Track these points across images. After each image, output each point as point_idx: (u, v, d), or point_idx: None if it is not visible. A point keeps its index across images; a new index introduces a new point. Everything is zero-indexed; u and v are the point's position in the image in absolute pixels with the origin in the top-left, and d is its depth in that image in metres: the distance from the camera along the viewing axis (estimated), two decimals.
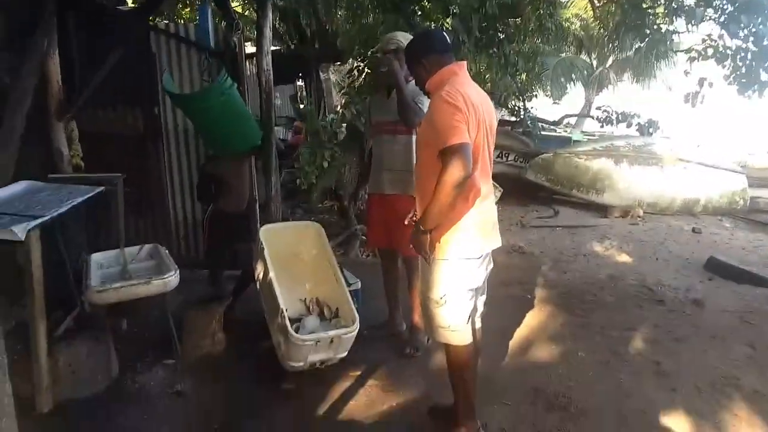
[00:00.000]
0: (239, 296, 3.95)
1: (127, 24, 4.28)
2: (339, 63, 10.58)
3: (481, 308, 2.73)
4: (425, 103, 3.05)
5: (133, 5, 5.05)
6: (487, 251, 2.53)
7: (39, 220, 2.67)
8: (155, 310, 3.51)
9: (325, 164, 6.82)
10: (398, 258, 3.68)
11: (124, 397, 3.04)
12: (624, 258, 5.91)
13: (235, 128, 3.50)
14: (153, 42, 4.49)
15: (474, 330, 2.63)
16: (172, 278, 2.93)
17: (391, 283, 3.77)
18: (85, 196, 3.21)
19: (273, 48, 7.85)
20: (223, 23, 4.59)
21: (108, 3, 4.36)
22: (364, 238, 6.10)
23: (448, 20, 6.22)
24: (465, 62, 2.52)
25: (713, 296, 4.56)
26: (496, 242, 2.58)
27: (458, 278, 2.44)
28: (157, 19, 4.91)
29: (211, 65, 3.54)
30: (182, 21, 9.59)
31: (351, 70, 7.64)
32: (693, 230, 7.11)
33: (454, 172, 2.14)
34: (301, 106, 11.61)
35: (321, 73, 10.97)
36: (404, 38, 3.27)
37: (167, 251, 3.37)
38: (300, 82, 12.66)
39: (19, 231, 2.67)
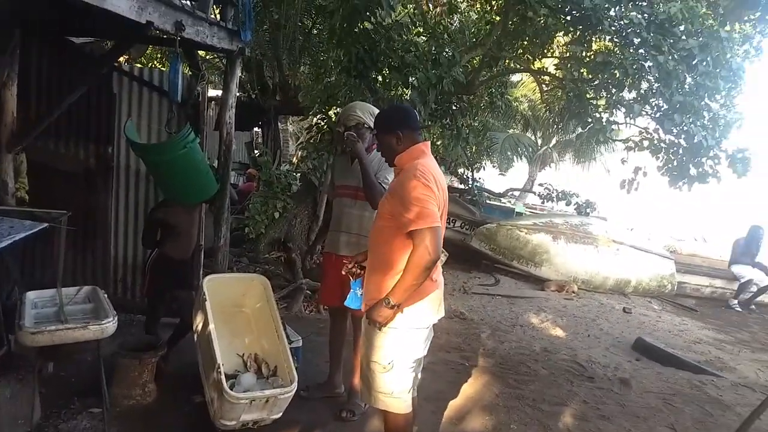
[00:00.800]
0: (174, 345, 3.84)
1: (92, 62, 4.29)
2: (299, 117, 10.77)
3: (419, 376, 2.78)
4: (390, 177, 3.15)
5: (97, 42, 5.04)
6: (434, 321, 2.62)
7: None
8: (86, 355, 3.36)
9: (276, 215, 6.86)
10: (347, 317, 3.70)
11: None
12: (558, 332, 6.12)
13: (192, 180, 3.52)
14: (115, 81, 4.49)
15: (413, 398, 2.66)
16: (110, 324, 2.84)
17: (337, 342, 3.75)
18: (28, 232, 3.10)
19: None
20: (188, 71, 4.65)
21: (74, 38, 4.34)
22: (309, 293, 6.09)
23: (407, 91, 6.52)
24: (429, 142, 2.69)
25: (639, 376, 4.78)
26: (442, 312, 2.66)
27: (407, 347, 2.50)
28: (120, 59, 4.91)
29: (175, 117, 3.58)
30: (145, 64, 9.63)
31: (311, 127, 7.82)
32: (624, 310, 7.47)
33: (427, 254, 2.27)
34: (257, 153, 11.70)
35: (279, 123, 11.12)
36: (363, 111, 3.41)
37: (106, 295, 3.27)
38: (257, 129, 12.76)
39: None
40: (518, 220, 9.44)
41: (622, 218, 13.08)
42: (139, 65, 7.36)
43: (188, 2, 3.41)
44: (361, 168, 3.29)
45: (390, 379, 2.51)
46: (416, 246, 2.29)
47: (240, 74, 4.89)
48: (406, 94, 6.54)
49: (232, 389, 3.01)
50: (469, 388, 4.18)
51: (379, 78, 6.62)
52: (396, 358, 2.49)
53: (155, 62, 10.55)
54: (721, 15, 6.32)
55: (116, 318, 2.93)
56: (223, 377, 2.96)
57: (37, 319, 2.95)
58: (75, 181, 4.45)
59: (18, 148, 3.88)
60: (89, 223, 4.49)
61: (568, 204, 11.28)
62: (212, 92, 9.06)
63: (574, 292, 8.09)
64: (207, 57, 10.22)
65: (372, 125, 3.23)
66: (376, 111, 3.34)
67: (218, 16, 4.04)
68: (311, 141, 7.31)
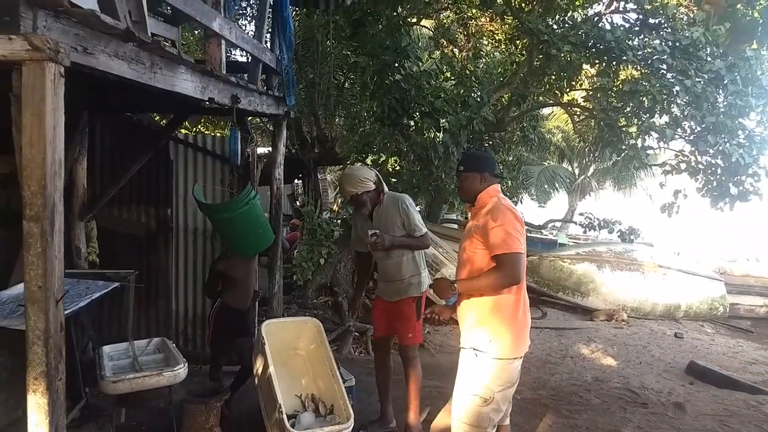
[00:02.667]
0: (236, 391, 4.06)
1: (151, 134, 4.73)
2: (337, 166, 11.20)
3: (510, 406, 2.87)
4: (410, 209, 3.54)
5: (157, 118, 5.53)
6: (525, 351, 2.67)
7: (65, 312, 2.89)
8: (158, 401, 3.61)
9: (322, 261, 7.14)
10: (389, 355, 3.87)
11: None
12: (609, 361, 6.08)
13: (254, 233, 3.85)
14: (171, 149, 4.92)
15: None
16: (181, 371, 3.11)
17: (383, 377, 3.89)
18: (102, 291, 3.44)
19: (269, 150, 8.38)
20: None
21: (134, 115, 4.81)
22: (357, 334, 6.27)
23: (439, 134, 6.80)
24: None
25: (694, 400, 4.72)
26: (528, 345, 2.71)
27: (506, 377, 2.58)
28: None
29: (235, 178, 3.94)
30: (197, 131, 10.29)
31: None
32: (675, 335, 7.33)
33: (503, 277, 2.50)
34: (299, 204, 12.13)
35: (318, 174, 11.56)
36: (350, 183, 3.61)
37: (174, 345, 3.55)
38: (297, 181, 13.27)
39: None
40: (561, 251, 9.42)
41: (668, 243, 12.84)
42: (186, 131, 7.92)
43: (241, 77, 3.81)
44: (400, 246, 3.57)
45: (486, 412, 2.57)
46: (498, 267, 2.52)
47: None
48: (439, 137, 6.82)
49: (293, 429, 3.19)
50: (522, 421, 4.21)
51: (412, 124, 6.94)
52: (497, 391, 2.55)
53: (200, 127, 11.23)
54: (722, 52, 6.41)
55: (186, 365, 3.18)
56: (284, 417, 3.14)
57: (115, 370, 3.24)
58: (138, 243, 4.83)
59: (89, 216, 4.29)
60: (152, 281, 4.83)
61: (610, 232, 11.18)
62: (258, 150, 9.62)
63: (623, 320, 7.99)
64: (251, 119, 10.82)
65: (364, 187, 3.53)
66: (365, 174, 3.60)
67: (264, 84, 4.42)
68: None
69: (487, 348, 2.55)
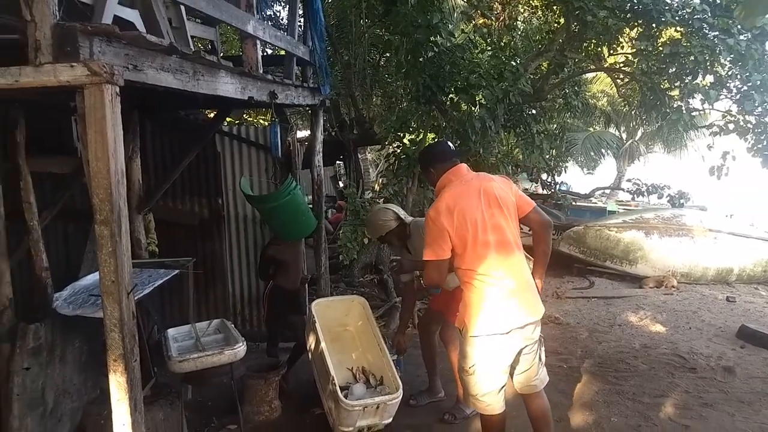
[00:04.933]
0: (293, 365, 4.34)
1: (199, 129, 4.99)
2: (377, 146, 11.32)
3: (534, 374, 2.88)
4: None
5: (204, 113, 5.78)
6: (514, 326, 2.69)
7: None
8: (221, 378, 3.89)
9: (366, 240, 7.32)
10: (433, 332, 4.03)
11: None
12: (658, 327, 6.06)
13: (297, 220, 4.09)
14: (218, 142, 5.18)
15: (504, 399, 2.85)
16: (241, 349, 3.36)
17: (429, 352, 4.10)
18: (164, 279, 3.72)
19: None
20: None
21: (182, 111, 5.07)
22: None
23: (475, 109, 6.80)
24: (461, 165, 2.96)
25: (744, 363, 4.70)
26: (526, 317, 2.73)
27: (484, 352, 2.71)
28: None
29: (277, 169, 4.16)
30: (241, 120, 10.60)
31: (388, 155, 8.28)
32: (727, 299, 7.20)
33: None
34: (341, 185, 12.35)
35: (359, 154, 11.71)
36: (374, 228, 3.86)
37: (233, 325, 3.82)
38: (339, 162, 13.49)
39: None
40: (608, 219, 9.30)
41: (721, 206, 12.43)
42: (230, 121, 8.19)
43: (277, 72, 3.99)
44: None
45: (474, 382, 2.78)
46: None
47: None
48: (475, 112, 6.82)
49: (346, 399, 3.42)
50: (567, 388, 4.33)
51: (447, 100, 6.95)
52: (477, 363, 2.74)
53: (245, 117, 11.54)
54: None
55: (245, 343, 3.44)
56: (337, 388, 3.37)
57: (180, 350, 3.52)
58: (193, 232, 5.14)
59: (146, 209, 4.59)
60: (208, 267, 5.14)
61: (660, 197, 10.93)
62: (298, 134, 9.85)
63: (673, 286, 7.88)
64: None
65: (386, 228, 3.76)
66: (382, 216, 3.80)
67: (300, 76, 4.59)
68: (390, 168, 7.73)
69: (463, 327, 2.78)
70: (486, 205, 2.75)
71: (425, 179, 3.23)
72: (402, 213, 3.85)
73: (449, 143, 3.14)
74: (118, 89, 1.97)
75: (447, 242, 2.71)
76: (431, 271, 2.78)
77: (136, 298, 3.27)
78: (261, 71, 3.53)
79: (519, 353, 2.78)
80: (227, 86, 2.92)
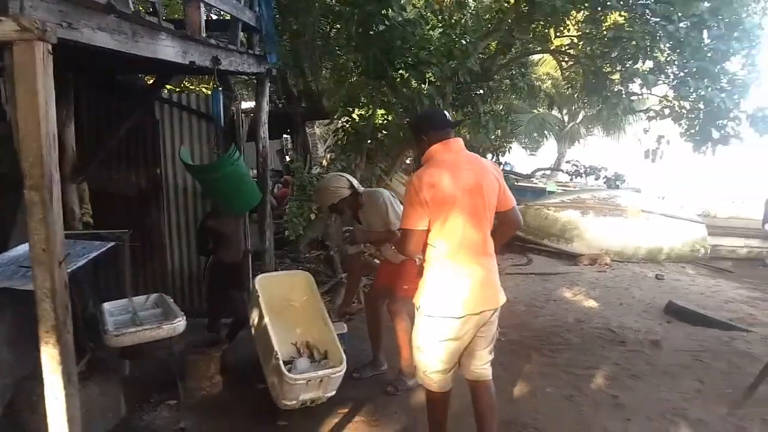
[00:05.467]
0: (233, 340, 4.27)
1: (137, 95, 4.75)
2: (326, 120, 11.15)
3: (482, 360, 2.85)
4: (391, 212, 3.66)
5: (143, 78, 5.50)
6: (470, 312, 2.64)
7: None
8: (159, 353, 3.79)
9: (312, 216, 7.26)
10: (381, 305, 4.05)
11: None
12: (591, 303, 6.34)
13: (241, 192, 3.98)
14: (157, 109, 4.95)
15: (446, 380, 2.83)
16: (180, 323, 3.28)
17: (374, 326, 4.13)
18: (99, 251, 3.57)
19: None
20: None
21: (119, 75, 4.81)
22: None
23: (424, 87, 6.80)
24: (456, 138, 2.79)
25: (670, 337, 4.99)
26: (483, 305, 2.68)
27: (435, 332, 2.69)
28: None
29: (219, 139, 4.02)
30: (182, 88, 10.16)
31: (337, 130, 8.18)
32: (656, 277, 7.61)
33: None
34: (288, 160, 12.13)
35: (306, 129, 11.52)
36: (322, 195, 3.82)
37: (172, 300, 3.71)
38: (286, 136, 13.22)
39: None
40: (547, 199, 9.61)
41: (655, 189, 13.05)
42: (171, 88, 7.85)
43: (221, 37, 3.83)
44: (375, 240, 3.83)
45: (422, 359, 2.80)
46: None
47: None
48: (425, 90, 6.82)
49: (289, 373, 3.40)
50: (506, 361, 4.44)
51: (397, 76, 6.92)
52: (425, 341, 2.75)
53: (186, 84, 11.08)
54: None
55: (184, 318, 3.35)
56: (281, 362, 3.35)
57: (116, 325, 3.40)
58: (130, 203, 4.93)
59: (80, 178, 4.37)
60: (146, 240, 4.95)
61: (597, 179, 11.38)
62: (243, 104, 9.55)
63: (606, 264, 8.25)
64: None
65: (338, 195, 3.71)
66: (335, 183, 3.76)
67: (245, 43, 4.43)
68: (338, 143, 7.66)
69: (420, 305, 2.75)
70: (468, 189, 2.63)
71: (415, 146, 3.06)
72: (356, 182, 3.80)
73: (447, 113, 2.96)
74: (50, 47, 1.84)
75: (426, 213, 2.61)
76: (407, 241, 2.66)
77: (69, 270, 3.12)
78: (204, 36, 3.38)
79: (472, 338, 2.76)
80: (168, 50, 2.78)
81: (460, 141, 2.80)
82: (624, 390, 3.89)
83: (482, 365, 2.87)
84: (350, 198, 3.73)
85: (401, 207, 3.68)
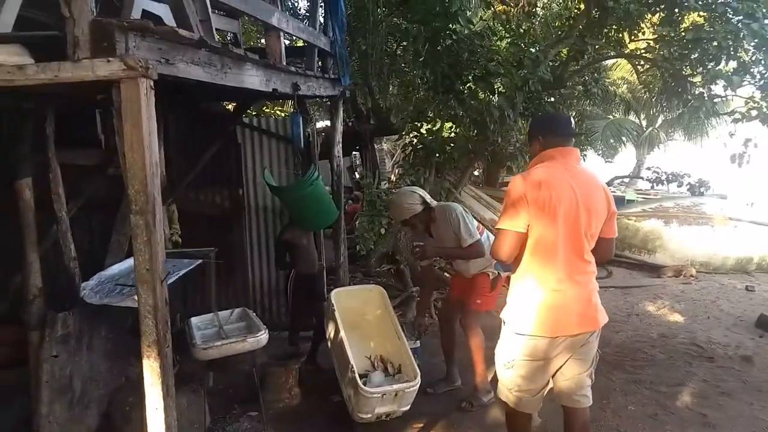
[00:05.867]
0: (315, 352, 4.44)
1: (221, 121, 5.06)
2: (394, 136, 11.31)
3: (580, 386, 2.61)
4: (459, 218, 3.66)
5: (224, 105, 5.84)
6: (564, 333, 2.46)
7: None
8: (240, 367, 3.97)
9: (383, 231, 7.37)
10: (454, 320, 4.07)
11: None
12: (676, 317, 6.04)
13: (320, 210, 4.17)
14: (239, 133, 5.25)
15: (539, 404, 2.67)
16: (263, 336, 3.44)
17: (448, 340, 4.15)
18: (189, 268, 3.82)
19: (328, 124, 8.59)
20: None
21: (204, 104, 5.14)
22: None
23: (494, 98, 6.78)
24: (574, 149, 2.62)
25: (763, 352, 4.69)
26: (579, 327, 2.48)
27: (519, 350, 2.53)
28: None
29: (299, 160, 4.22)
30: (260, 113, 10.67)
31: (405, 145, 8.30)
32: (746, 288, 7.14)
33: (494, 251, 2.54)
34: (357, 176, 12.37)
35: (375, 145, 11.71)
36: (397, 210, 3.84)
37: (255, 314, 3.90)
38: (355, 153, 13.50)
39: None
40: (627, 208, 9.26)
41: (742, 195, 12.24)
42: (250, 113, 8.25)
43: (299, 63, 4.05)
44: (445, 256, 3.91)
45: (509, 377, 2.61)
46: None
47: None
48: (494, 101, 6.80)
49: (365, 386, 3.48)
50: None
51: (465, 89, 6.94)
52: (514, 359, 2.56)
53: (265, 109, 11.60)
54: None
55: (267, 331, 3.51)
56: (357, 375, 3.44)
57: (204, 338, 3.60)
58: (215, 223, 5.23)
59: (169, 200, 4.68)
60: (229, 257, 5.21)
61: (679, 186, 10.86)
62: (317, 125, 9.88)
63: (692, 275, 7.82)
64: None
65: (411, 211, 3.72)
66: (409, 199, 3.76)
67: (320, 68, 4.63)
68: (407, 159, 7.74)
69: (508, 320, 2.60)
70: (576, 202, 2.42)
71: (528, 147, 2.86)
72: (428, 197, 3.82)
73: (572, 120, 2.73)
74: (152, 83, 2.03)
75: (525, 215, 2.41)
76: (501, 242, 2.46)
77: None
78: (284, 63, 3.58)
79: (566, 360, 2.55)
80: (253, 78, 2.98)
81: (577, 152, 2.62)
82: (713, 408, 3.70)
83: (580, 392, 2.61)
84: (422, 213, 3.76)
85: (474, 222, 3.73)
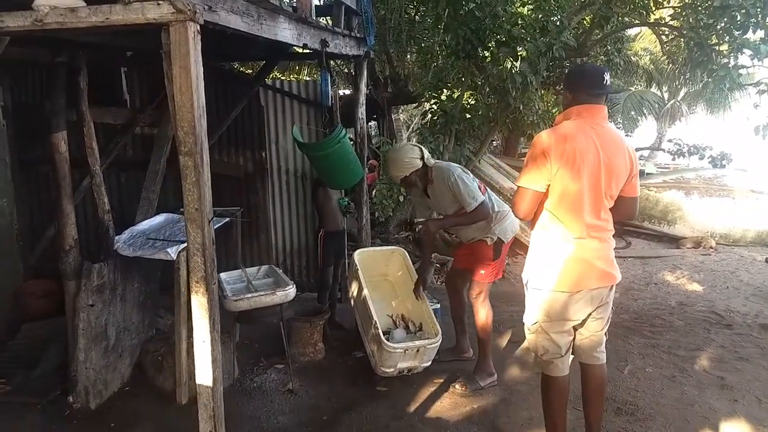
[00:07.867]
0: (335, 308, 4.55)
1: (244, 82, 5.08)
2: (412, 104, 11.23)
3: (599, 343, 2.67)
4: (460, 185, 3.45)
5: (245, 68, 5.84)
6: (584, 287, 2.48)
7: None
8: (266, 320, 4.06)
9: (401, 198, 7.42)
10: (461, 289, 3.99)
11: (246, 393, 3.63)
12: (694, 287, 6.06)
13: (346, 168, 4.20)
14: (261, 95, 5.27)
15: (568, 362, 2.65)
16: (291, 290, 3.53)
17: (457, 309, 4.05)
18: (218, 225, 3.89)
19: (348, 92, 8.56)
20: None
21: (226, 63, 5.16)
22: (438, 265, 6.58)
23: (516, 64, 6.71)
24: (602, 107, 2.56)
25: None
26: (599, 281, 2.49)
27: (544, 308, 2.53)
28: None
29: (327, 118, 4.23)
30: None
31: (425, 112, 8.26)
32: (766, 260, 7.11)
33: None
34: (374, 144, 12.36)
35: (392, 114, 11.66)
36: (396, 166, 3.59)
37: (281, 270, 3.99)
38: (372, 122, 13.47)
39: (173, 252, 3.37)
40: (647, 180, 9.20)
41: (764, 168, 12.07)
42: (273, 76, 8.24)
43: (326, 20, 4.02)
44: (452, 225, 3.80)
45: (537, 341, 2.61)
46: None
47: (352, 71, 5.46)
48: (516, 67, 6.73)
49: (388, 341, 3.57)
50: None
51: (487, 54, 6.87)
52: (539, 320, 2.56)
53: (278, 74, 11.53)
54: None
55: (294, 286, 3.60)
56: (380, 331, 3.53)
57: (234, 291, 3.70)
58: (238, 184, 5.30)
59: None
60: (252, 217, 5.31)
61: (701, 158, 10.74)
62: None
63: (711, 247, 7.80)
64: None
65: (411, 167, 3.53)
66: (409, 154, 3.57)
67: (345, 26, 4.62)
68: (426, 125, 7.73)
69: (528, 279, 2.61)
70: (598, 160, 2.42)
71: (562, 98, 2.84)
72: (427, 154, 3.63)
73: (607, 74, 2.61)
74: (198, 28, 2.07)
75: (546, 173, 2.41)
76: (520, 200, 2.48)
77: None
78: (314, 18, 3.59)
79: (587, 317, 2.57)
80: (285, 32, 3.00)
81: (604, 110, 2.57)
82: (731, 372, 3.74)
83: (599, 349, 2.68)
84: (422, 170, 3.60)
85: (475, 182, 3.58)
